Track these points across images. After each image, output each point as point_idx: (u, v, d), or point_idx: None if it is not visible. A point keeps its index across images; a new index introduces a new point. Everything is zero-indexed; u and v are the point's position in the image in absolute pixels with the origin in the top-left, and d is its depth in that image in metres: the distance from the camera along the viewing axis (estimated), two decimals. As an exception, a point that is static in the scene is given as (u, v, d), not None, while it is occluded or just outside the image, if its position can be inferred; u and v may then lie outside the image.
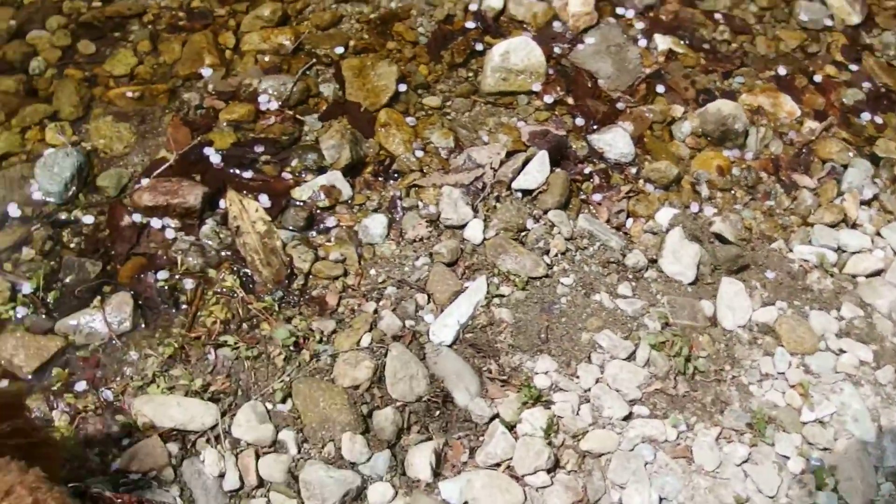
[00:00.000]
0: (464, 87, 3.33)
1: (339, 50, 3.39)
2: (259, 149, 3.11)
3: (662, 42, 3.49)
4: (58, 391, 2.60)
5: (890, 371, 2.74)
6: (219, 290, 2.80)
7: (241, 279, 2.82)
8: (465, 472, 2.49)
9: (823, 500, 2.49)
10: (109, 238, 2.91)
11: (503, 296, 2.82)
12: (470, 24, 3.49)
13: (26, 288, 2.77)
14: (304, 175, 3.06)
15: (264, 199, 2.98)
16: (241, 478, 2.44)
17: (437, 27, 3.49)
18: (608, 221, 3.04)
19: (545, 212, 3.01)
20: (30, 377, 2.62)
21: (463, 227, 2.96)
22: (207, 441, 2.50)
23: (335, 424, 2.52)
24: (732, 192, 3.14)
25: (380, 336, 2.70)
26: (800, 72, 3.50)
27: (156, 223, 2.93)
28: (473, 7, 3.53)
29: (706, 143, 3.26)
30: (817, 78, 3.49)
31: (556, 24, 3.51)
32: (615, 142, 3.18)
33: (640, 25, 3.54)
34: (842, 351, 2.78)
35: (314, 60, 3.36)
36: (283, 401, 2.57)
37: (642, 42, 3.50)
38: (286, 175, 3.06)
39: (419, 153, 3.13)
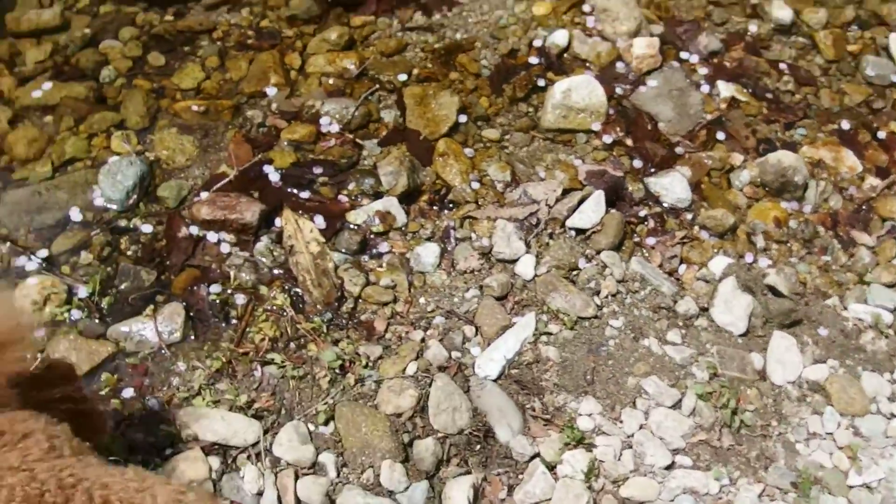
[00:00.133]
0: (523, 121, 3.34)
1: (403, 77, 3.42)
2: (317, 170, 3.14)
3: (725, 89, 3.47)
4: (106, 396, 2.63)
5: (941, 439, 2.69)
6: (269, 308, 2.82)
7: (292, 298, 2.85)
8: (503, 509, 2.48)
9: (865, 566, 2.45)
10: (166, 248, 2.96)
11: (551, 334, 2.81)
12: (533, 60, 3.50)
13: (82, 292, 2.82)
14: (360, 199, 3.09)
15: (319, 221, 3.01)
16: (279, 497, 2.45)
17: (500, 60, 3.51)
18: (661, 266, 3.02)
19: (598, 252, 3.00)
20: (80, 380, 2.66)
21: (515, 261, 2.96)
22: (248, 458, 2.52)
23: (376, 451, 2.52)
24: (788, 244, 3.11)
25: (425, 365, 2.70)
26: (863, 127, 3.47)
27: (212, 237, 2.97)
28: (538, 43, 3.55)
29: (764, 193, 3.24)
30: (881, 134, 3.45)
31: (620, 65, 3.51)
32: (672, 186, 3.16)
33: (703, 71, 3.53)
34: (893, 415, 2.73)
35: (377, 86, 3.39)
36: (326, 423, 2.58)
37: (705, 88, 3.48)
38: (342, 198, 3.09)
39: (475, 185, 3.14)
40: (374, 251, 2.98)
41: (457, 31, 3.59)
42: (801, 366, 2.80)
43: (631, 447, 2.60)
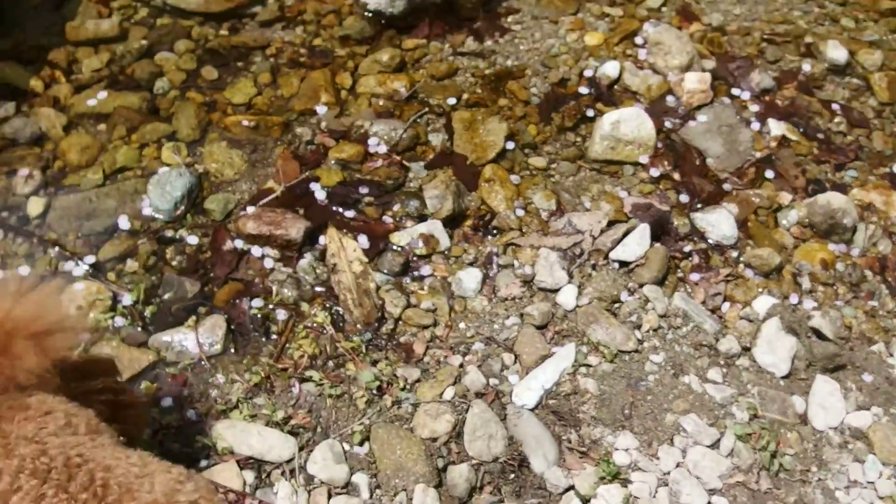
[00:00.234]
0: (571, 151, 3.33)
1: (452, 101, 3.43)
2: (363, 190, 3.16)
3: (776, 127, 3.45)
4: (144, 404, 2.64)
5: None
6: (309, 325, 2.83)
7: (333, 316, 2.85)
8: (534, 541, 2.46)
9: None
10: (210, 260, 2.98)
11: (590, 366, 2.79)
12: (583, 90, 3.50)
13: (126, 299, 2.85)
14: (404, 221, 3.10)
15: (363, 240, 3.02)
16: (311, 515, 2.45)
17: (550, 89, 3.51)
18: (704, 303, 3.00)
19: (641, 286, 2.98)
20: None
21: (556, 291, 2.95)
22: (282, 474, 2.52)
23: (409, 474, 2.51)
24: (835, 287, 3.07)
25: (463, 391, 2.69)
26: (915, 171, 3.43)
27: (256, 251, 2.99)
28: (588, 73, 3.55)
29: (812, 234, 3.20)
30: (933, 180, 3.41)
31: (670, 99, 3.50)
32: (718, 223, 3.14)
33: (754, 108, 3.51)
34: (936, 467, 2.68)
35: (426, 109, 3.41)
36: (361, 443, 2.58)
37: (755, 125, 3.46)
38: (387, 219, 3.10)
39: (520, 212, 3.14)
40: (417, 274, 2.99)
41: (508, 57, 3.60)
42: (843, 412, 2.76)
43: (667, 485, 2.57)
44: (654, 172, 3.29)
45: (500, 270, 3.00)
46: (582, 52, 3.62)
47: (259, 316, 2.84)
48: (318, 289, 2.92)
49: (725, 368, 2.85)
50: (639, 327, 2.90)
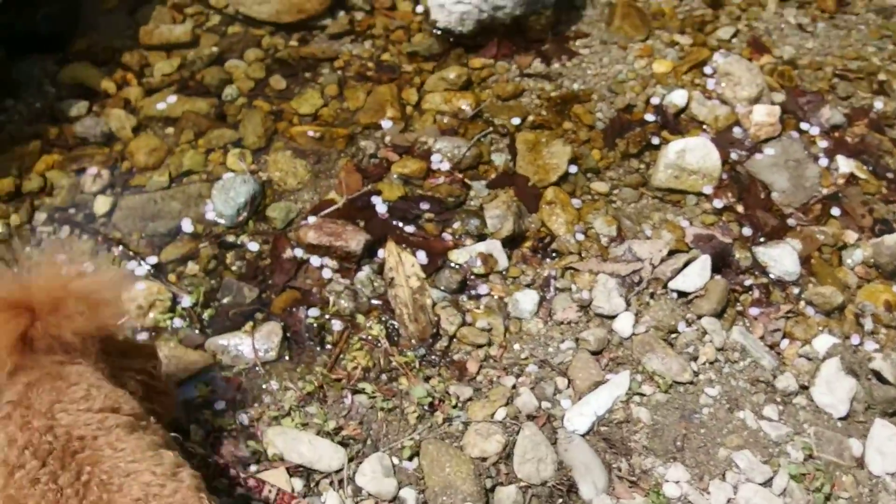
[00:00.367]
0: (634, 177, 3.31)
1: (516, 121, 3.43)
2: (424, 206, 3.17)
3: (844, 164, 3.39)
4: (198, 405, 2.67)
5: None
6: (364, 337, 2.84)
7: (388, 330, 2.86)
8: (580, 569, 2.43)
9: None
10: (269, 268, 3.01)
11: (644, 395, 2.76)
12: (649, 117, 3.48)
13: (186, 301, 2.88)
14: (463, 239, 3.10)
15: (421, 256, 3.02)
16: (357, 527, 2.45)
17: (615, 115, 3.49)
18: (762, 338, 2.95)
19: (699, 317, 2.94)
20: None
21: (613, 317, 2.93)
22: (331, 483, 2.53)
23: (457, 493, 2.50)
24: (898, 330, 3.02)
25: (514, 412, 2.68)
26: None
27: (315, 261, 3.01)
28: (655, 101, 3.53)
29: (877, 274, 3.14)
30: None
31: (737, 130, 3.46)
32: (781, 258, 3.09)
33: (823, 144, 3.46)
34: None
35: (490, 129, 3.41)
36: (411, 458, 2.58)
37: (823, 161, 3.41)
38: (446, 236, 3.10)
39: (580, 236, 3.12)
40: (473, 292, 2.98)
41: (574, 81, 3.60)
42: (902, 458, 2.70)
43: (717, 521, 2.54)
44: (718, 204, 3.25)
45: (557, 294, 2.99)
46: (650, 79, 3.60)
47: (315, 325, 2.86)
48: (374, 302, 2.93)
49: (782, 406, 2.80)
50: (695, 359, 2.86)
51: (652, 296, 2.99)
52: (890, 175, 3.41)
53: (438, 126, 3.42)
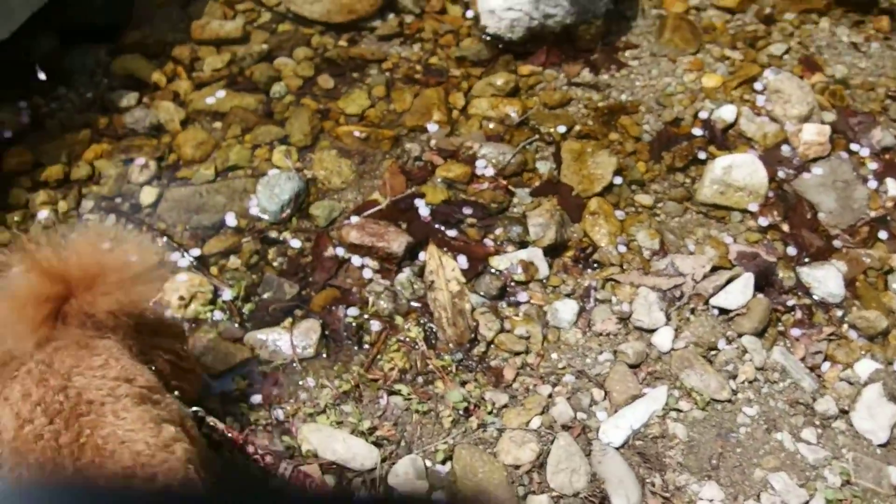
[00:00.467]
0: (678, 191, 3.29)
1: (562, 130, 3.42)
2: (467, 211, 3.16)
3: (894, 187, 3.34)
4: (234, 399, 2.69)
5: None
6: (402, 339, 2.84)
7: (426, 333, 2.86)
8: (609, 582, 2.41)
9: None
10: (310, 265, 3.02)
11: (681, 411, 2.74)
12: (697, 131, 3.45)
13: (227, 294, 2.90)
14: (505, 245, 3.09)
15: (462, 261, 3.02)
16: (387, 529, 2.45)
17: (662, 128, 3.47)
18: (803, 360, 2.91)
19: (740, 335, 2.91)
20: (211, 379, 2.73)
21: (653, 331, 2.90)
22: (363, 483, 2.53)
23: (489, 499, 2.49)
24: (943, 358, 2.96)
25: (550, 422, 2.67)
26: None
27: (356, 261, 3.01)
28: (703, 115, 3.50)
29: (922, 301, 3.10)
30: None
31: (785, 148, 3.43)
32: (825, 280, 3.06)
33: (873, 166, 3.41)
34: None
35: (536, 136, 3.40)
36: (443, 462, 2.57)
37: (872, 183, 3.36)
38: (488, 242, 3.10)
39: (622, 248, 3.10)
40: (513, 299, 2.97)
41: (622, 92, 3.58)
42: (943, 488, 2.65)
43: (751, 542, 2.51)
44: (763, 221, 3.22)
45: (596, 305, 2.97)
46: (698, 93, 3.58)
47: (353, 324, 2.87)
48: (413, 304, 2.93)
49: (820, 429, 2.77)
50: (734, 377, 2.83)
51: (693, 311, 2.96)
52: (940, 200, 3.36)
53: (484, 131, 3.42)
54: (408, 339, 2.84)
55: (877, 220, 3.28)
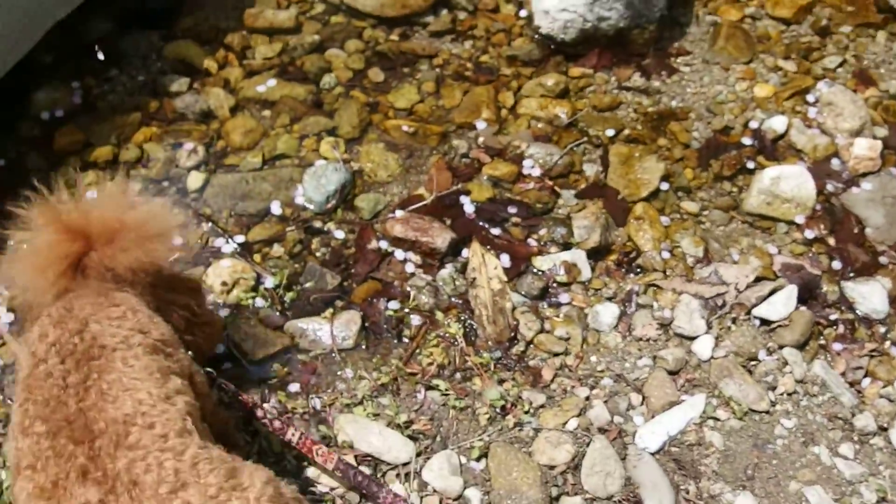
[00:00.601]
0: (725, 200, 3.27)
1: (611, 133, 3.41)
2: (512, 210, 3.16)
3: (944, 206, 3.31)
4: (273, 386, 2.71)
5: None
6: (441, 335, 2.85)
7: (465, 329, 2.87)
8: (640, 588, 2.41)
9: None
10: (353, 256, 3.03)
11: (718, 420, 2.73)
12: (746, 141, 3.43)
13: (269, 282, 2.93)
14: (548, 246, 3.09)
15: (505, 259, 3.02)
16: (420, 522, 2.46)
17: (711, 135, 3.45)
18: (844, 375, 2.89)
19: (781, 347, 2.89)
20: (251, 365, 2.76)
21: (693, 339, 2.89)
22: (397, 476, 2.54)
23: (522, 498, 2.50)
24: None
25: (586, 424, 2.67)
26: None
27: (399, 255, 3.03)
28: (754, 125, 3.47)
29: (969, 322, 3.06)
30: None
31: (835, 162, 3.39)
32: (870, 296, 3.02)
33: (923, 183, 3.38)
34: None
35: (584, 139, 3.40)
36: (478, 459, 2.58)
37: (922, 201, 3.33)
38: (531, 241, 3.10)
39: (666, 254, 3.09)
40: (554, 300, 2.97)
41: (673, 98, 3.56)
42: (983, 512, 2.62)
43: (784, 555, 2.49)
44: (809, 234, 3.19)
45: (638, 309, 2.96)
46: (749, 102, 3.55)
47: (394, 318, 2.88)
48: (454, 300, 2.94)
49: (858, 445, 2.74)
50: (773, 389, 2.81)
51: (734, 321, 2.95)
52: None
53: (532, 131, 3.41)
54: (447, 335, 2.85)
55: (926, 238, 3.24)
